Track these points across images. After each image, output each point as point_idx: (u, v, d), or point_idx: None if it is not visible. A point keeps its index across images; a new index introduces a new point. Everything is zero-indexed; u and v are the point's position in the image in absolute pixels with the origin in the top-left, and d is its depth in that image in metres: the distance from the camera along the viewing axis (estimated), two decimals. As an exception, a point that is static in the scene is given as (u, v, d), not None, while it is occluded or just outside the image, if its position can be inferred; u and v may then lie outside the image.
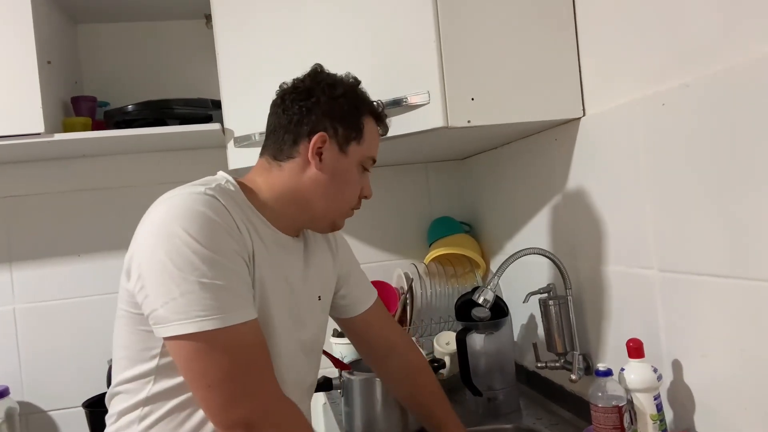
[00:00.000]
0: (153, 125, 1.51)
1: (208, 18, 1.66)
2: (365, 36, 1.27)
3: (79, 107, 1.60)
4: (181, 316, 0.81)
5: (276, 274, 0.96)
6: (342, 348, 1.64)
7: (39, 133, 1.40)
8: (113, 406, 0.96)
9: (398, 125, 1.22)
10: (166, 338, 0.84)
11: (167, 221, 0.84)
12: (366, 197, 1.06)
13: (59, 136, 1.43)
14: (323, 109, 0.98)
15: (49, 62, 1.47)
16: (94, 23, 1.77)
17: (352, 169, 1.01)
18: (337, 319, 1.21)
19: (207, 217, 0.84)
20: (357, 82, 1.04)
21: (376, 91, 1.22)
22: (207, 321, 0.81)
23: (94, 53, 1.78)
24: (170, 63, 1.79)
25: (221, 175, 1.00)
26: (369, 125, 1.02)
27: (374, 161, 1.05)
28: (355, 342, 1.23)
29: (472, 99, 1.19)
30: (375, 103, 1.06)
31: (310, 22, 1.34)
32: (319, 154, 0.97)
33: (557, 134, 1.32)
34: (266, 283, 0.93)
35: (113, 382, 0.96)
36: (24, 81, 1.38)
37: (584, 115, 1.24)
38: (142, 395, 0.91)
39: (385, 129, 1.08)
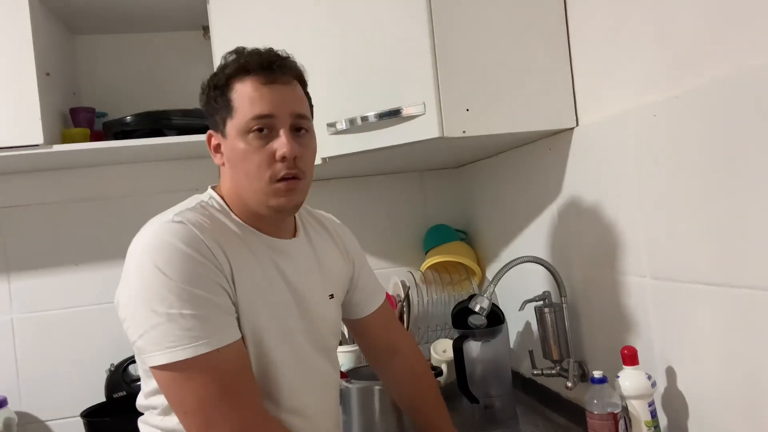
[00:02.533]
0: (151, 136, 1.52)
1: (206, 29, 1.67)
2: (361, 47, 1.29)
3: (77, 118, 1.61)
4: (154, 347, 0.84)
5: (272, 283, 0.96)
6: (339, 356, 1.65)
7: (38, 145, 1.41)
8: (143, 416, 1.00)
9: (394, 135, 1.24)
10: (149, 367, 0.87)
11: (138, 254, 0.87)
12: (283, 158, 0.92)
13: (58, 147, 1.44)
14: (204, 109, 0.99)
15: (47, 74, 1.48)
16: (92, 34, 1.78)
17: (237, 146, 0.93)
18: (344, 320, 1.20)
19: (174, 247, 0.86)
20: (229, 55, 0.96)
21: (372, 101, 1.25)
22: (177, 351, 0.83)
23: (92, 64, 1.79)
24: (168, 74, 1.80)
25: (207, 192, 1.01)
26: (238, 91, 0.93)
27: (263, 116, 0.91)
28: (360, 342, 1.24)
29: (467, 110, 1.21)
30: (244, 56, 0.94)
31: (306, 33, 1.36)
32: (218, 151, 0.98)
33: (551, 144, 1.34)
34: (256, 297, 0.93)
35: (141, 393, 0.99)
36: (23, 92, 1.39)
37: (577, 125, 1.26)
38: (159, 408, 0.94)
39: (264, 74, 0.93)
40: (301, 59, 1.35)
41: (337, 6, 1.32)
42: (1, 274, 1.70)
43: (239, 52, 0.96)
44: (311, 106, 1.02)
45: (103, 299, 1.73)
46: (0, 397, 1.58)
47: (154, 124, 1.54)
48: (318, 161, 1.34)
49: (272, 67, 0.93)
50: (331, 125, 1.31)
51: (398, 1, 1.23)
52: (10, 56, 1.40)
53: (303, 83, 1.00)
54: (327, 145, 1.34)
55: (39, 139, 1.40)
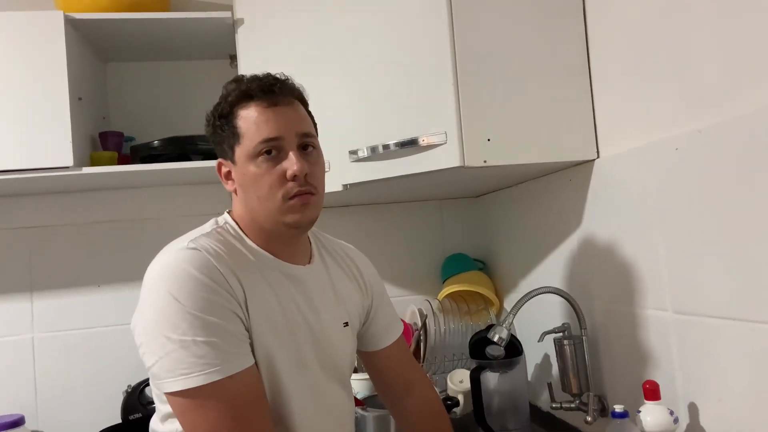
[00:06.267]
0: (177, 160, 1.55)
1: (233, 58, 1.72)
2: (384, 76, 1.31)
3: (106, 142, 1.65)
4: (168, 374, 0.85)
5: (285, 309, 0.97)
6: (355, 384, 1.64)
7: (68, 167, 1.44)
8: None
9: (415, 164, 1.26)
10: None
11: (154, 281, 0.89)
12: (294, 177, 0.94)
13: (87, 170, 1.47)
14: (211, 140, 1.01)
15: (80, 99, 1.53)
16: (123, 62, 1.84)
17: (247, 170, 0.95)
18: (359, 352, 1.20)
19: (189, 274, 0.87)
20: (230, 84, 0.99)
21: (394, 129, 1.27)
22: (190, 378, 0.84)
23: (122, 90, 1.84)
24: (195, 100, 1.84)
25: (222, 217, 1.03)
26: (243, 116, 0.95)
27: (271, 139, 0.93)
28: (374, 377, 1.22)
29: (489, 139, 1.22)
30: (245, 83, 0.96)
31: (330, 62, 1.39)
32: (229, 178, 1.00)
33: (571, 175, 1.35)
34: (270, 323, 0.94)
35: (156, 416, 0.99)
36: (56, 117, 1.44)
37: (598, 157, 1.26)
38: None
39: (267, 97, 0.95)
40: (325, 87, 1.39)
41: (361, 35, 1.35)
42: (24, 293, 1.72)
43: (239, 80, 0.98)
44: (315, 124, 1.03)
45: (122, 320, 1.74)
46: (17, 416, 1.59)
47: (180, 148, 1.58)
48: (339, 188, 1.37)
49: (273, 90, 0.95)
50: (353, 152, 1.33)
51: (422, 31, 1.25)
52: (45, 82, 1.45)
53: (304, 103, 1.02)
54: (348, 172, 1.35)
55: (69, 161, 1.44)
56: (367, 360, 1.20)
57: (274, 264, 0.99)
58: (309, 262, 1.05)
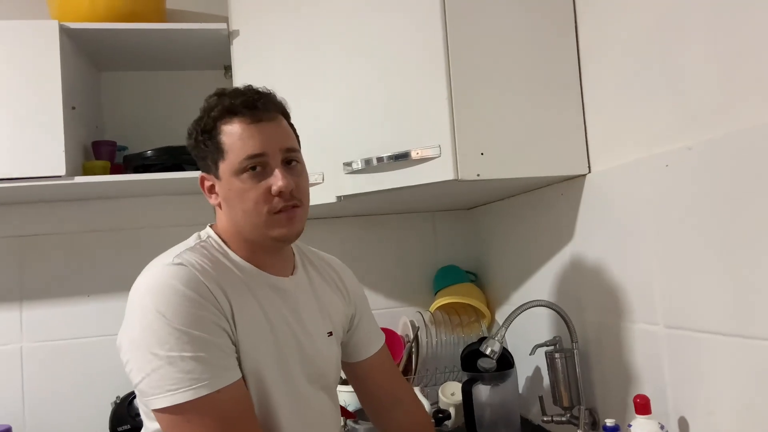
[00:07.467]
0: (170, 170, 1.55)
1: (227, 69, 1.73)
2: (379, 90, 1.32)
3: (99, 151, 1.65)
4: (155, 390, 0.84)
5: (271, 321, 0.97)
6: (346, 396, 1.63)
7: (60, 176, 1.44)
8: None
9: (409, 176, 1.26)
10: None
11: (140, 297, 0.88)
12: (280, 193, 0.94)
13: (79, 179, 1.46)
14: (194, 153, 1.01)
15: (73, 108, 1.53)
16: (117, 71, 1.84)
17: (232, 185, 0.95)
18: (344, 365, 1.20)
19: (175, 289, 0.87)
20: (211, 98, 0.99)
21: (388, 142, 1.28)
22: (178, 394, 0.84)
23: (116, 99, 1.84)
24: (189, 111, 1.79)
25: (205, 231, 1.03)
26: (227, 132, 0.95)
27: (255, 155, 0.94)
28: (358, 389, 1.21)
29: (482, 154, 1.23)
30: (227, 97, 0.96)
31: (326, 75, 1.40)
32: (212, 192, 1.00)
33: (563, 189, 1.36)
34: (257, 336, 0.94)
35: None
36: (49, 125, 1.43)
37: (590, 172, 1.28)
38: None
39: (250, 113, 0.95)
40: (320, 98, 1.40)
41: (357, 49, 1.36)
42: (14, 303, 1.71)
43: (220, 94, 0.98)
44: (297, 137, 1.04)
45: (112, 331, 1.68)
46: (5, 427, 1.58)
47: (173, 158, 1.58)
48: (333, 199, 1.38)
49: (257, 106, 0.96)
50: (348, 164, 1.34)
51: (417, 45, 1.26)
52: (39, 90, 1.44)
53: (287, 116, 1.03)
54: (342, 184, 1.36)
55: (62, 170, 1.43)
56: (351, 371, 1.20)
57: (259, 277, 0.99)
58: (292, 273, 1.06)
